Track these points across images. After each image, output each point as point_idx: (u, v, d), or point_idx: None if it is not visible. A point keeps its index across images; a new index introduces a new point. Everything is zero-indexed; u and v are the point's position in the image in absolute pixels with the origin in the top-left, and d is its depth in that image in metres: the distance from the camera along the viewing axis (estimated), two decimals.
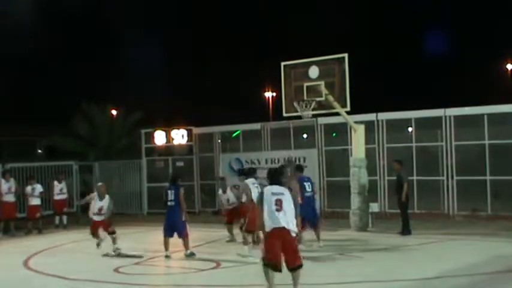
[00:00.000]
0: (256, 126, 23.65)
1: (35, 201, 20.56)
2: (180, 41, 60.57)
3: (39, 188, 20.73)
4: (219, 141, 24.60)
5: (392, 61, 50.84)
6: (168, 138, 24.74)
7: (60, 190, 21.43)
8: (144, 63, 47.21)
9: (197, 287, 11.40)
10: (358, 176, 18.04)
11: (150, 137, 25.09)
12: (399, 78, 50.05)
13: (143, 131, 25.42)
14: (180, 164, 25.01)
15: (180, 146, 24.81)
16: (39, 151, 40.71)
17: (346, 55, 17.69)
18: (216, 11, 59.40)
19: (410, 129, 20.88)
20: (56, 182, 21.59)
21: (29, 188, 20.58)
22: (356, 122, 18.61)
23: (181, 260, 14.23)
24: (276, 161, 22.18)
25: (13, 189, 19.78)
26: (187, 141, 24.64)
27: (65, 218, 21.35)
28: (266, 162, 22.44)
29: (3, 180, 19.71)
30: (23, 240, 18.72)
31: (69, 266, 13.52)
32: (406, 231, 16.30)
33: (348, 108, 17.79)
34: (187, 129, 24.68)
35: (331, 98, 17.62)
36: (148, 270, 13.08)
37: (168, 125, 25.56)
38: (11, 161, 23.44)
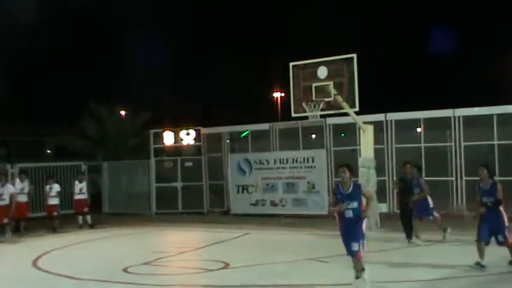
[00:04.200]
0: (264, 126, 23.66)
1: (52, 201, 20.70)
2: (190, 41, 60.67)
3: (56, 187, 20.84)
4: (228, 141, 24.62)
5: (400, 61, 50.72)
6: (177, 138, 24.77)
7: (80, 190, 21.54)
8: (153, 63, 47.34)
9: (205, 287, 11.41)
10: (366, 177, 18.00)
11: (158, 137, 25.13)
12: (408, 79, 49.91)
13: (152, 131, 25.46)
14: (188, 164, 25.05)
15: (188, 146, 24.86)
16: (48, 151, 40.81)
17: (354, 55, 17.68)
18: (225, 12, 59.46)
19: (419, 129, 20.85)
20: (76, 182, 21.75)
21: (46, 188, 20.82)
22: (365, 123, 18.59)
23: (189, 261, 14.25)
24: (285, 161, 22.21)
25: (26, 190, 19.85)
26: (196, 141, 24.66)
27: (88, 217, 21.38)
28: (275, 162, 22.46)
29: (17, 180, 19.80)
30: (33, 240, 18.77)
31: (78, 266, 13.54)
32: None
33: (357, 109, 17.78)
34: (195, 130, 24.71)
35: (339, 98, 17.60)
36: (157, 270, 13.09)
37: (176, 125, 25.59)
38: (20, 161, 23.54)
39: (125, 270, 12.74)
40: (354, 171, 10.43)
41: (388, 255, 13.79)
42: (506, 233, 11.47)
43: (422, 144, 20.30)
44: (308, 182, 21.68)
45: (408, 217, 15.17)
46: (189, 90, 52.17)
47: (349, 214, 10.14)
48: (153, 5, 58.97)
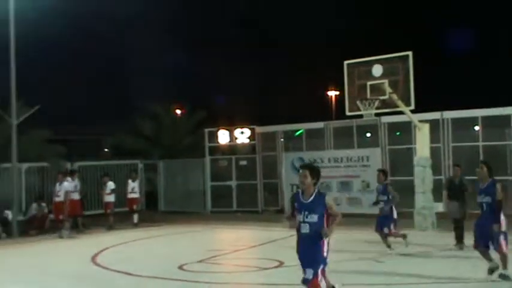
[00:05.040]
0: (319, 125, 23.62)
1: (107, 199, 21.13)
2: (245, 41, 60.94)
3: (110, 185, 21.21)
4: (282, 140, 24.65)
5: (458, 58, 49.85)
6: (231, 137, 24.93)
7: (132, 189, 21.85)
8: (208, 62, 47.73)
9: (259, 285, 11.46)
10: (422, 176, 17.80)
11: (213, 136, 25.35)
12: (465, 76, 49.03)
13: (207, 130, 25.70)
14: (243, 162, 25.19)
15: (243, 145, 24.99)
16: (105, 150, 41.58)
17: (410, 53, 17.51)
18: (279, 11, 59.46)
19: (476, 127, 20.48)
20: (130, 181, 22.06)
21: (103, 186, 21.33)
22: (420, 121, 18.38)
23: (244, 259, 14.33)
24: (339, 160, 22.10)
25: (78, 188, 20.32)
26: (250, 140, 24.77)
27: (135, 216, 21.72)
28: (329, 161, 22.39)
29: (69, 179, 20.25)
30: (92, 237, 19.20)
31: (134, 263, 13.77)
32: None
33: (412, 107, 17.61)
34: (250, 128, 24.81)
35: (394, 96, 17.45)
36: (212, 268, 13.21)
37: (231, 124, 25.75)
38: (79, 160, 24.08)
39: (180, 267, 12.90)
40: (319, 175, 8.08)
41: (443, 255, 13.59)
42: (501, 239, 10.34)
43: (480, 143, 19.94)
44: (363, 181, 21.54)
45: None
46: (244, 89, 52.37)
47: (305, 229, 7.94)
48: (209, 5, 59.28)
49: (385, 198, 14.04)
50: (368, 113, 18.20)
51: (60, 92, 43.59)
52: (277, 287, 11.13)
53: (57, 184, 19.63)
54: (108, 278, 12.40)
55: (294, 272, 12.30)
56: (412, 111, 17.87)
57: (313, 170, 8.08)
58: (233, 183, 25.15)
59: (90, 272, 13.10)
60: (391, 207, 14.02)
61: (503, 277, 10.47)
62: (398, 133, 22.27)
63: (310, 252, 7.94)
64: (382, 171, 14.77)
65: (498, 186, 10.53)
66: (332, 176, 22.25)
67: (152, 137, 30.09)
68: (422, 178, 17.79)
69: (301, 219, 7.96)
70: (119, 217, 21.60)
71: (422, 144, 18.20)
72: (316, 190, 7.98)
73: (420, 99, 17.76)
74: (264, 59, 55.26)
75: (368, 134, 23.85)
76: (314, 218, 7.87)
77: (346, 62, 18.69)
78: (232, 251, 15.22)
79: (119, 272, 12.79)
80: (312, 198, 7.93)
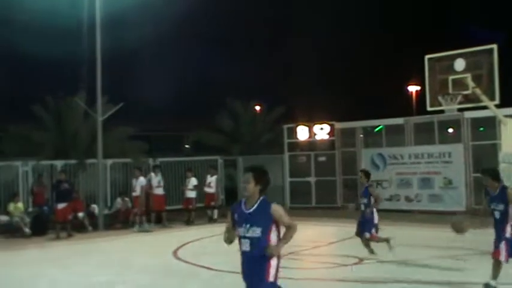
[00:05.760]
0: (399, 121, 23.32)
1: (189, 194, 21.51)
2: (324, 37, 60.65)
3: (193, 181, 21.59)
4: (362, 136, 24.46)
5: None
6: (310, 133, 24.91)
7: (208, 184, 22.15)
8: (288, 59, 47.73)
9: (339, 282, 11.44)
10: (508, 172, 17.27)
11: (292, 132, 25.40)
12: None
13: (285, 126, 25.77)
14: (322, 159, 25.13)
15: (322, 141, 24.91)
16: (186, 146, 42.29)
17: (495, 46, 17.07)
18: (360, 7, 58.91)
19: None
20: (208, 176, 22.37)
21: (187, 181, 21.69)
22: (506, 116, 17.86)
23: (323, 255, 14.33)
24: (420, 156, 21.77)
25: (162, 183, 20.74)
26: (330, 136, 24.67)
27: (215, 212, 21.94)
28: (409, 157, 22.10)
29: (153, 175, 20.70)
30: (174, 231, 19.64)
31: (215, 257, 13.96)
32: None
33: (497, 101, 17.14)
34: (329, 124, 24.73)
35: (478, 91, 17.04)
36: (291, 264, 13.20)
37: (310, 120, 25.72)
38: (161, 156, 24.61)
39: None
40: (266, 180, 6.70)
41: None
42: (501, 245, 9.68)
43: None
44: (444, 178, 21.17)
45: None
46: (323, 85, 52.14)
47: (246, 246, 6.51)
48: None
49: (365, 201, 13.17)
50: (450, 108, 17.87)
51: (143, 89, 44.63)
52: (356, 284, 11.07)
53: (134, 180, 20.12)
54: (189, 272, 12.66)
55: (374, 269, 12.27)
56: (497, 106, 17.40)
57: (258, 174, 6.63)
58: (312, 179, 25.14)
59: (172, 265, 13.42)
60: (373, 211, 13.13)
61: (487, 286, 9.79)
62: (482, 128, 21.74)
63: (255, 277, 6.49)
64: (364, 172, 13.77)
65: (509, 192, 9.78)
66: (412, 172, 21.98)
67: (232, 133, 30.38)
68: (508, 175, 17.26)
69: (242, 234, 6.52)
70: (198, 212, 21.95)
71: (507, 140, 17.70)
72: (261, 198, 6.58)
73: (505, 94, 17.27)
74: (344, 54, 54.76)
75: (450, 130, 23.38)
76: (256, 232, 6.41)
77: (427, 57, 18.40)
78: (312, 247, 15.22)
79: (200, 266, 13.04)
80: (255, 207, 6.52)
